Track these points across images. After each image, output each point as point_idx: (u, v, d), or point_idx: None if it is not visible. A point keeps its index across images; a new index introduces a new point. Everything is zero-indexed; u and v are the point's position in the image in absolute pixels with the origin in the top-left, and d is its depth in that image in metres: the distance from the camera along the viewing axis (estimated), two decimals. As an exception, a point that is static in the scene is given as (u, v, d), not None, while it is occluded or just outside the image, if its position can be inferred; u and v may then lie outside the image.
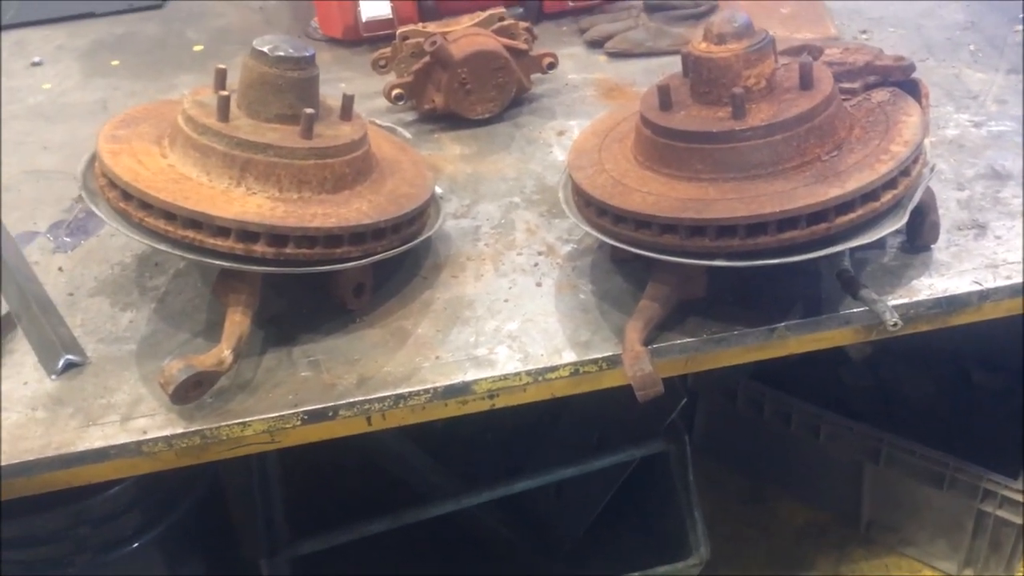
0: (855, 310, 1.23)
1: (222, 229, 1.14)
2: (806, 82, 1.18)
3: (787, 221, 1.09)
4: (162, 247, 1.16)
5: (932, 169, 1.21)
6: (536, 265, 1.36)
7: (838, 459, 1.96)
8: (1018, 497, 1.80)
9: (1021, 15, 1.90)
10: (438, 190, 1.43)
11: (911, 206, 1.15)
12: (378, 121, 1.53)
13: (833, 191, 1.09)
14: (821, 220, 1.10)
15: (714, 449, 2.14)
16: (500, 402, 1.23)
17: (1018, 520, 1.81)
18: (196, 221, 1.14)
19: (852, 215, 1.11)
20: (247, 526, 1.68)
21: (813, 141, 1.15)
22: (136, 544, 1.54)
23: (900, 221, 1.13)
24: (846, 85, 1.27)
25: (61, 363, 1.21)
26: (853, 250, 1.21)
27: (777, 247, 1.10)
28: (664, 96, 1.21)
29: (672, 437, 1.71)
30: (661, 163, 1.20)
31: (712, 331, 1.22)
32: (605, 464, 1.72)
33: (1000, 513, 1.82)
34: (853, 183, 1.10)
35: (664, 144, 1.19)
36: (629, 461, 1.74)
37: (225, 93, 1.21)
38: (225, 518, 1.79)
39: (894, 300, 1.24)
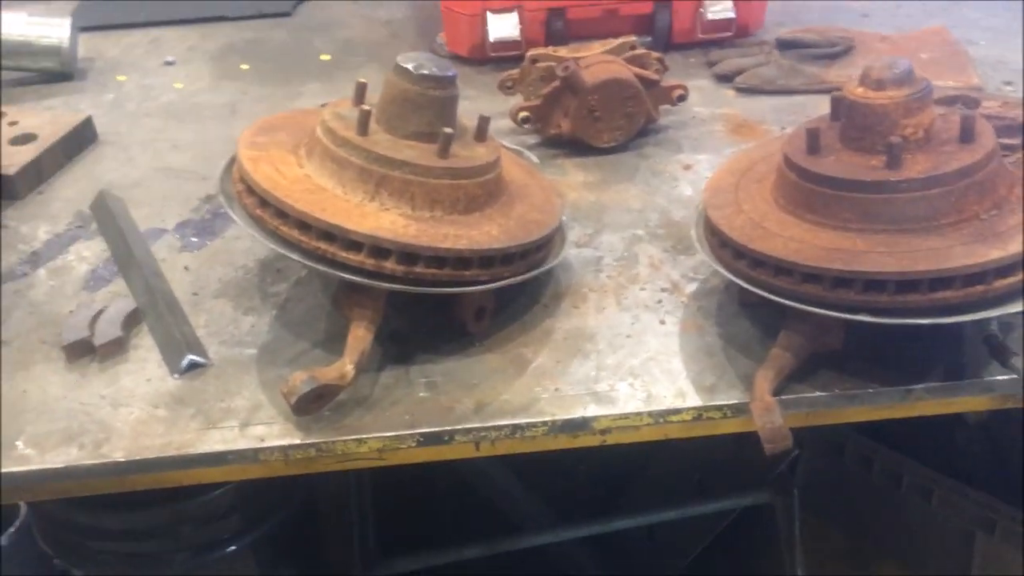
0: (998, 377, 1.16)
1: (355, 243, 1.13)
2: (967, 135, 1.12)
3: (941, 280, 1.04)
4: (294, 256, 1.16)
5: (1096, 235, 1.14)
6: (660, 302, 1.33)
7: (948, 526, 1.87)
8: None
9: None
10: (563, 218, 1.41)
11: (1074, 274, 1.08)
12: (505, 143, 1.51)
13: (994, 252, 1.04)
14: (978, 282, 1.04)
15: (815, 503, 2.06)
16: (611, 439, 1.20)
17: None
18: (330, 233, 1.13)
19: (1012, 279, 1.05)
20: (339, 540, 1.68)
21: (972, 198, 1.10)
22: (233, 547, 1.55)
23: (1062, 289, 1.07)
24: (1006, 141, 1.21)
25: (185, 362, 1.22)
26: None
27: (928, 306, 1.05)
28: (813, 140, 1.17)
29: (779, 489, 1.65)
30: (806, 208, 1.15)
31: (845, 387, 1.16)
32: (707, 510, 1.67)
33: (1122, 601, 1.71)
34: (1015, 245, 1.04)
35: (810, 189, 1.15)
36: (731, 509, 1.69)
37: (366, 107, 1.21)
38: (318, 530, 1.79)
39: (1041, 371, 1.17)
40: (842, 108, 1.17)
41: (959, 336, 1.21)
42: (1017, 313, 1.07)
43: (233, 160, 1.26)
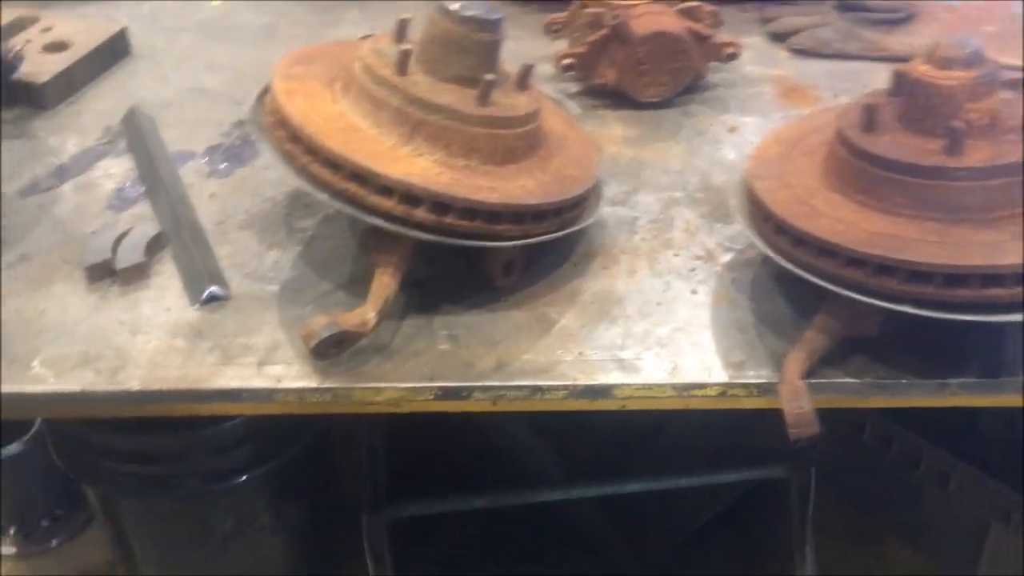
0: (1037, 378, 1.13)
1: (386, 188, 1.10)
2: (1034, 124, 1.07)
3: (992, 277, 1.00)
4: (322, 196, 1.13)
5: None
6: (693, 270, 1.29)
7: (963, 513, 1.85)
8: None
9: None
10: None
11: None
12: (546, 90, 1.47)
13: (1051, 251, 0.99)
14: (1031, 281, 1.00)
15: (830, 479, 2.04)
16: (631, 406, 1.17)
17: None
18: (361, 175, 1.10)
19: (1066, 280, 1.00)
20: (350, 478, 1.67)
21: (1033, 192, 1.05)
22: (244, 477, 1.55)
23: (1118, 294, 1.02)
24: (1074, 132, 1.15)
25: (206, 294, 1.20)
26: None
27: (976, 302, 1.01)
28: (870, 116, 1.11)
29: (797, 465, 1.63)
30: (855, 188, 1.10)
31: (878, 375, 1.13)
32: (723, 480, 1.65)
33: None
34: (1073, 245, 1.00)
35: (862, 169, 1.10)
36: (745, 480, 1.67)
37: (407, 46, 1.16)
38: (331, 467, 1.79)
39: (1086, 374, 1.13)
40: (904, 85, 1.11)
41: (1000, 332, 1.17)
42: (1068, 317, 1.03)
43: (267, 89, 1.22)
